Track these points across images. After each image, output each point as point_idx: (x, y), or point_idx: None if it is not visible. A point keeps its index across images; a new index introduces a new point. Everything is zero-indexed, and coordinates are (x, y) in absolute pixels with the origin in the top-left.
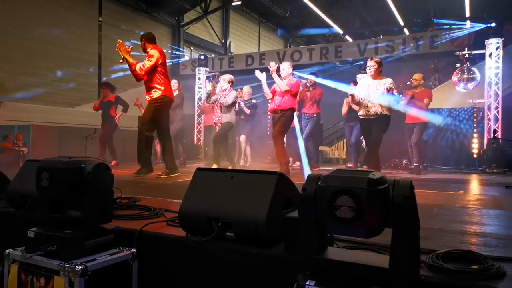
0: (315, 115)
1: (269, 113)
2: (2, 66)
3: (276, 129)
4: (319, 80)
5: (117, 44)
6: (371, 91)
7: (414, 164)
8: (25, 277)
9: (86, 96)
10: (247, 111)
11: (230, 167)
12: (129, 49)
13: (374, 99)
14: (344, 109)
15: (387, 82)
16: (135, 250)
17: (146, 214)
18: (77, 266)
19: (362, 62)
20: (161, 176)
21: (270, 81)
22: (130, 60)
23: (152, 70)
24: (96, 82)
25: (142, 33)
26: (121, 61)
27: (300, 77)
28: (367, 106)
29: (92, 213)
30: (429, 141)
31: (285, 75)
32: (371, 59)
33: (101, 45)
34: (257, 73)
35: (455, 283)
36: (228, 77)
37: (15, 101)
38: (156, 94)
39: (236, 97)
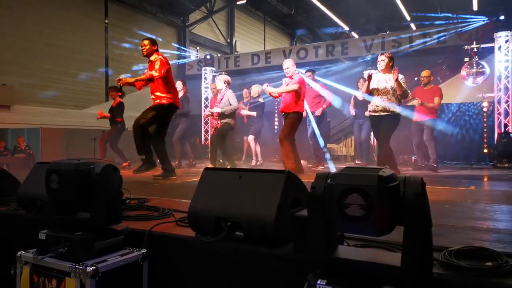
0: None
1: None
2: (11, 70)
3: (281, 131)
4: (317, 78)
5: (119, 82)
6: (380, 86)
7: (432, 164)
8: (37, 278)
9: (94, 98)
10: (252, 113)
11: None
12: (128, 78)
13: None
14: (351, 110)
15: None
16: (145, 251)
17: (155, 215)
18: (87, 268)
19: (369, 58)
20: (158, 178)
21: (278, 82)
22: (142, 77)
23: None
24: (104, 84)
25: (148, 34)
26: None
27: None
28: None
29: (101, 215)
30: (438, 136)
31: (290, 74)
32: (382, 53)
33: (107, 47)
34: (265, 88)
35: (469, 280)
36: (224, 77)
37: (24, 105)
38: (163, 100)
39: (232, 97)
